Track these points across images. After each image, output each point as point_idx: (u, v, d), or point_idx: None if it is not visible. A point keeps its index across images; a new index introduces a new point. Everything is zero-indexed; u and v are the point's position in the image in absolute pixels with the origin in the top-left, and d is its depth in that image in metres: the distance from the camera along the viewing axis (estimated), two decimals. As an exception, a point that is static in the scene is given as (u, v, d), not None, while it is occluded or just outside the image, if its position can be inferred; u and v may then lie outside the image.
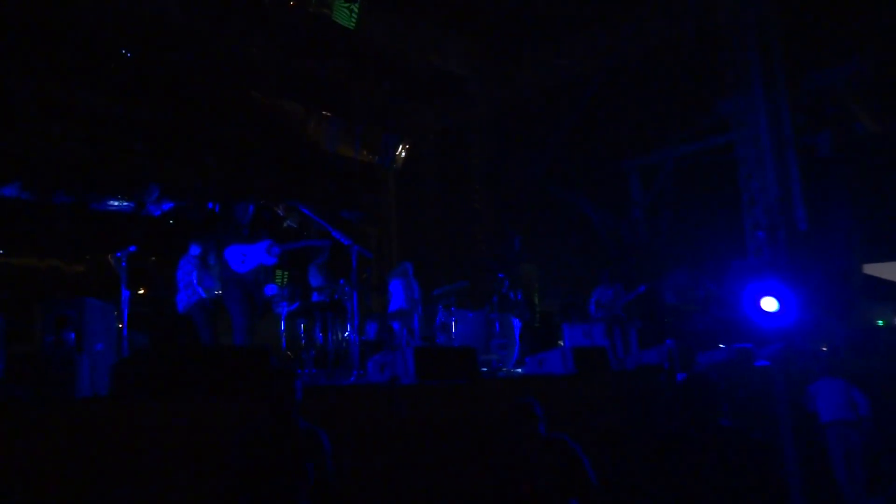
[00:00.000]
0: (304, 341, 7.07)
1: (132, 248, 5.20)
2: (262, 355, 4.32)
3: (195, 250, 6.21)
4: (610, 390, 6.33)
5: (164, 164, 9.56)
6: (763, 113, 10.79)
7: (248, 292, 5.85)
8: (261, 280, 5.98)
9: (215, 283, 6.18)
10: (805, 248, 10.13)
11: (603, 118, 13.13)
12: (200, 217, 9.57)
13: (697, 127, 12.70)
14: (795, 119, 10.92)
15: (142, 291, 8.47)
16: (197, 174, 9.86)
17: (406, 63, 12.37)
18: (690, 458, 3.26)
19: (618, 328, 9.11)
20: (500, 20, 12.38)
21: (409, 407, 4.52)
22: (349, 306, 6.35)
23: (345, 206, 11.82)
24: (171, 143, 9.65)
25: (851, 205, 11.18)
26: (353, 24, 10.56)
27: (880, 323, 11.86)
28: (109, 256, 5.22)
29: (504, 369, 8.42)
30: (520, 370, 8.18)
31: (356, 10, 10.45)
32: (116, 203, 9.21)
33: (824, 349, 8.59)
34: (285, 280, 7.18)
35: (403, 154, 12.91)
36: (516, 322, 9.01)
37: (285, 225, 10.24)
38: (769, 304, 8.60)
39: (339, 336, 7.15)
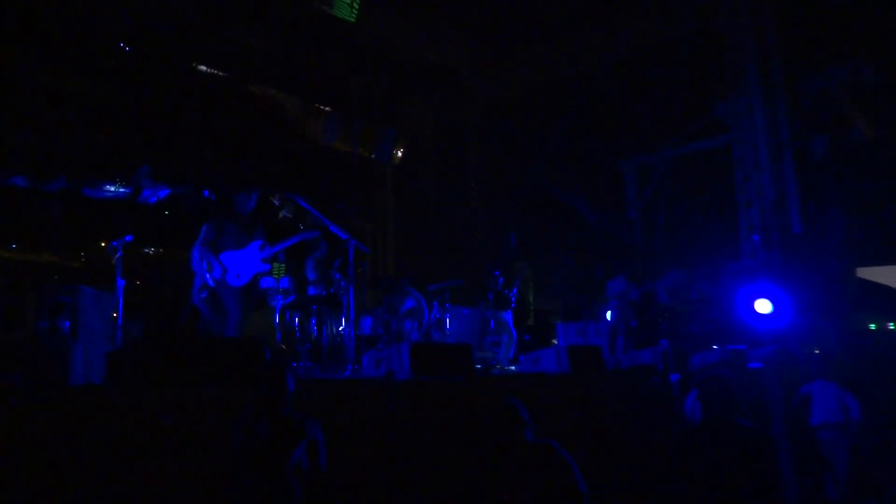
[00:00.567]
0: (298, 335, 7.05)
1: (128, 238, 5.17)
2: (258, 347, 4.31)
3: (208, 235, 5.86)
4: (604, 389, 6.34)
5: (160, 152, 9.50)
6: (760, 116, 10.83)
7: (245, 293, 5.82)
8: (256, 282, 5.94)
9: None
10: (799, 251, 10.18)
11: (600, 118, 13.14)
12: (197, 206, 9.50)
13: (694, 128, 12.72)
14: (792, 122, 10.97)
15: (137, 281, 8.42)
16: (193, 163, 9.83)
17: (404, 59, 12.35)
18: (707, 456, 3.28)
19: (622, 325, 9.15)
20: (499, 18, 12.37)
21: (403, 402, 4.51)
22: (345, 300, 6.35)
23: (341, 200, 11.80)
24: (168, 131, 9.61)
25: (846, 208, 11.23)
26: (354, 19, 10.52)
27: (873, 326, 11.93)
28: (105, 245, 5.18)
29: (498, 367, 8.43)
30: (514, 368, 8.18)
31: (357, 5, 10.42)
32: (112, 189, 9.14)
33: (817, 352, 8.63)
34: (281, 274, 7.15)
35: (401, 150, 12.90)
36: (508, 315, 9.05)
37: (281, 215, 10.21)
38: (763, 306, 8.63)
39: (334, 330, 7.14)
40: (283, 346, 6.99)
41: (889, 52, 10.88)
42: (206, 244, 5.75)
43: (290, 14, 10.42)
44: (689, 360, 7.46)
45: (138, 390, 3.61)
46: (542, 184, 13.82)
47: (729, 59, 11.09)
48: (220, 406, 3.69)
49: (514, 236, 13.49)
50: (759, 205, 10.63)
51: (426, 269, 9.03)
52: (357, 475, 4.11)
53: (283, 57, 10.78)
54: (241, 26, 10.17)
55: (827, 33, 11.03)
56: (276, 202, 10.20)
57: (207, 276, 5.67)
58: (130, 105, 9.24)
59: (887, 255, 12.10)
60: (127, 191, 9.24)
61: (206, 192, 9.86)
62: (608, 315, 9.41)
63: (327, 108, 11.69)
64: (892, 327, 12.41)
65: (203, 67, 9.91)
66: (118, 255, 5.10)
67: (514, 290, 9.32)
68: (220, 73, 10.09)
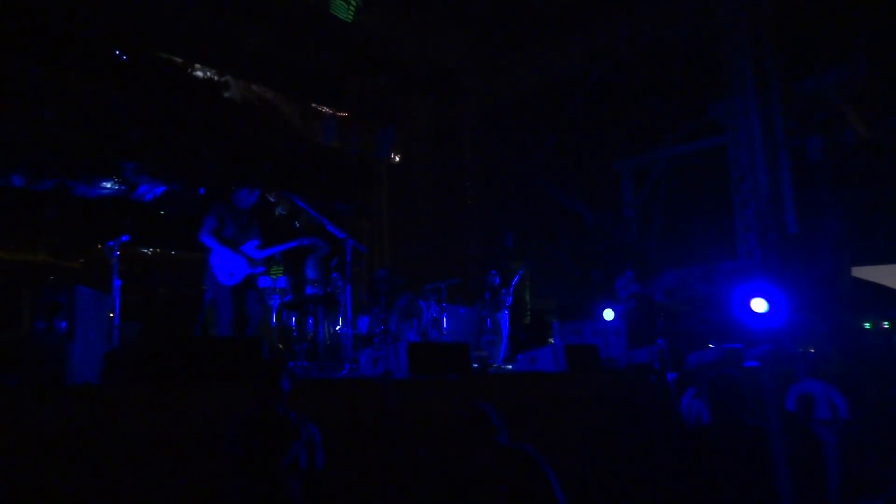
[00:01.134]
0: (295, 334, 7.04)
1: (125, 238, 5.14)
2: (256, 346, 4.31)
3: (213, 224, 5.71)
4: (601, 388, 6.36)
5: (157, 149, 9.47)
6: (756, 116, 10.87)
7: (240, 293, 5.74)
8: (250, 282, 5.84)
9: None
10: (795, 250, 10.23)
11: (597, 117, 13.17)
12: (193, 204, 9.45)
13: (690, 129, 12.76)
14: (788, 123, 11.02)
15: (134, 281, 8.38)
16: (189, 160, 9.80)
17: (401, 58, 12.35)
18: (719, 456, 3.30)
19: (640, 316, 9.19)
20: (496, 18, 12.39)
21: (400, 401, 4.51)
22: (342, 300, 6.34)
23: (338, 198, 11.78)
24: (164, 129, 9.58)
25: (841, 208, 11.29)
26: (351, 18, 10.52)
27: (867, 325, 11.99)
28: (101, 246, 5.16)
29: (494, 365, 8.44)
30: (511, 367, 8.20)
31: (354, 4, 10.42)
32: (109, 185, 9.09)
33: (812, 350, 8.67)
34: (279, 273, 7.14)
35: (398, 148, 12.89)
36: (505, 316, 9.07)
37: (276, 212, 10.18)
38: (759, 305, 8.64)
39: (331, 329, 7.14)
40: (281, 346, 6.98)
41: (884, 53, 10.93)
42: (213, 233, 5.64)
43: (287, 13, 10.40)
44: (685, 358, 7.49)
45: (135, 390, 3.61)
46: (539, 183, 13.84)
47: (725, 59, 11.14)
48: (217, 405, 3.69)
49: (511, 235, 13.51)
50: (755, 205, 10.67)
51: (423, 268, 9.03)
52: (354, 475, 4.11)
53: (280, 55, 10.76)
54: (238, 25, 10.15)
55: (822, 34, 11.08)
56: (272, 199, 10.18)
57: (216, 272, 5.57)
58: (126, 102, 9.21)
59: (882, 254, 12.16)
60: (122, 188, 9.19)
61: (202, 190, 9.83)
62: (608, 314, 9.39)
63: (324, 107, 11.68)
64: (886, 326, 12.47)
65: (200, 65, 9.89)
66: (115, 255, 5.08)
67: (511, 289, 9.35)
68: (218, 71, 10.06)
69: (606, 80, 12.43)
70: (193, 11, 9.46)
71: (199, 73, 9.94)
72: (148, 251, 9.57)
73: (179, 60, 9.67)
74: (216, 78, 10.08)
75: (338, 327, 7.03)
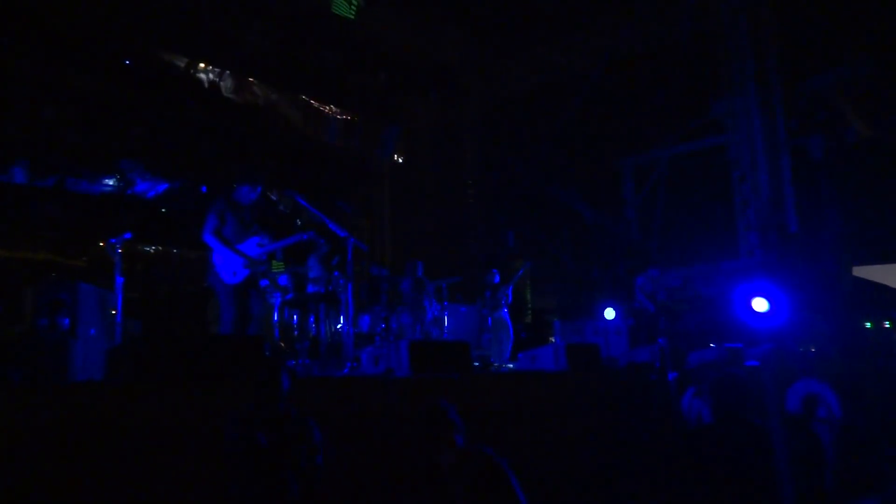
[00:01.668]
0: (297, 332, 7.05)
1: (127, 235, 5.15)
2: (257, 344, 4.32)
3: (215, 223, 5.66)
4: (602, 387, 6.36)
5: (158, 147, 9.48)
6: (757, 115, 10.86)
7: (242, 291, 5.74)
8: (253, 281, 5.83)
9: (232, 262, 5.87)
10: (796, 249, 10.23)
11: (598, 116, 13.16)
12: (194, 202, 9.46)
13: (691, 128, 12.76)
14: (789, 122, 11.01)
15: (136, 279, 8.40)
16: (191, 158, 9.81)
17: (403, 56, 12.34)
18: (723, 455, 3.31)
19: (648, 318, 9.17)
20: (497, 17, 12.38)
21: (401, 399, 4.52)
22: (343, 298, 6.34)
23: (339, 197, 11.79)
24: (166, 126, 9.59)
25: (842, 207, 11.28)
26: (353, 15, 10.51)
27: (868, 325, 11.98)
28: (104, 243, 5.17)
29: (495, 364, 8.46)
30: (511, 365, 8.21)
31: (356, 2, 10.42)
32: (111, 183, 9.11)
33: (813, 350, 8.67)
34: (282, 269, 7.14)
35: (400, 147, 12.89)
36: (506, 314, 9.08)
37: (279, 210, 10.20)
38: (760, 304, 8.64)
39: (333, 328, 7.15)
40: (282, 344, 6.99)
41: (885, 52, 10.92)
42: (216, 233, 5.62)
43: (289, 11, 10.40)
44: (686, 358, 7.49)
45: (138, 387, 3.62)
46: (540, 182, 13.84)
47: (726, 58, 11.13)
48: (218, 403, 3.70)
49: (512, 234, 13.52)
50: (756, 204, 10.67)
51: (424, 267, 9.03)
52: (354, 473, 4.12)
53: (282, 53, 10.77)
54: (241, 23, 10.15)
55: (824, 33, 11.07)
56: (274, 197, 10.19)
57: (219, 270, 5.57)
58: (128, 100, 9.22)
59: (883, 253, 12.16)
60: (124, 186, 9.21)
61: (204, 188, 9.84)
62: (608, 313, 9.38)
63: (326, 105, 11.69)
64: (887, 325, 12.47)
65: (201, 63, 9.89)
66: (117, 252, 5.09)
67: (510, 287, 9.35)
68: (219, 69, 10.07)
69: (608, 79, 12.42)
70: (195, 9, 9.47)
71: (201, 71, 9.95)
72: (150, 248, 9.59)
73: (181, 58, 9.68)
74: (217, 76, 10.09)
75: (339, 325, 7.03)
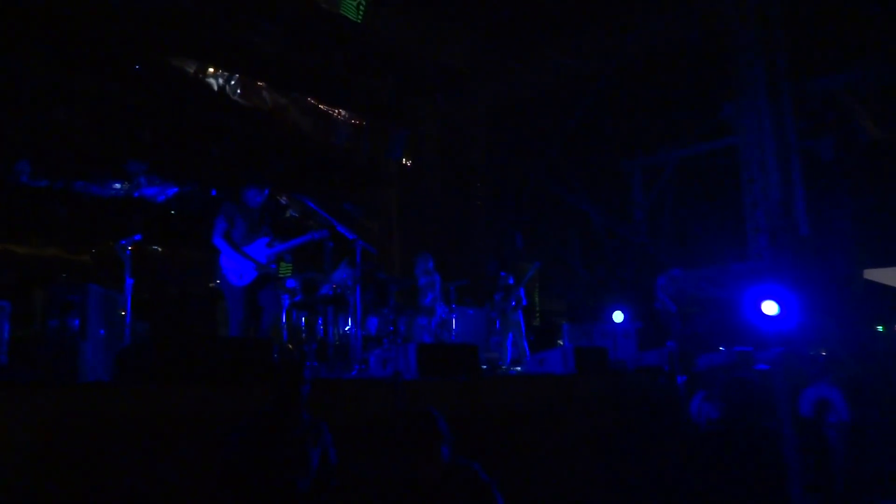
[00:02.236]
0: (305, 334, 7.07)
1: (137, 237, 5.18)
2: (266, 347, 4.33)
3: (220, 227, 5.68)
4: (610, 391, 6.34)
5: (167, 151, 9.53)
6: (767, 117, 10.79)
7: (250, 293, 5.76)
8: (261, 282, 5.85)
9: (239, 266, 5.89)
10: (806, 252, 10.15)
11: (606, 118, 13.14)
12: (204, 205, 9.51)
13: (701, 129, 12.70)
14: (799, 123, 10.93)
15: (146, 280, 8.45)
16: (200, 162, 9.86)
17: (410, 59, 12.36)
18: (727, 456, 3.30)
19: (666, 318, 9.13)
20: (506, 18, 12.36)
21: (409, 402, 4.52)
22: (351, 300, 6.35)
23: (347, 199, 11.82)
24: (175, 130, 9.64)
25: (853, 210, 11.19)
26: (360, 18, 10.54)
27: (880, 328, 11.86)
28: (113, 244, 5.20)
29: (503, 367, 8.44)
30: (519, 368, 8.19)
31: (363, 5, 10.44)
32: (119, 186, 9.17)
33: (824, 353, 8.59)
34: (289, 272, 7.17)
35: (408, 150, 12.91)
36: (520, 316, 9.06)
37: (287, 214, 10.23)
38: (770, 307, 8.59)
39: (341, 330, 7.16)
40: (290, 346, 7.00)
41: (896, 54, 10.85)
42: (225, 236, 5.64)
43: (296, 13, 10.44)
44: (695, 361, 7.45)
45: (147, 388, 3.63)
46: (548, 184, 13.82)
47: (735, 60, 11.06)
48: (226, 405, 3.71)
49: (520, 236, 13.49)
50: (766, 206, 10.59)
51: (434, 261, 9.03)
52: (363, 475, 4.11)
53: (291, 57, 10.80)
54: (248, 26, 10.20)
55: (834, 34, 11.00)
56: (283, 201, 10.22)
57: (226, 272, 5.58)
58: (138, 104, 9.28)
59: (895, 256, 12.05)
60: (133, 189, 9.27)
61: (214, 192, 9.89)
62: (617, 316, 9.33)
63: (334, 109, 11.72)
64: (899, 329, 12.34)
65: (210, 67, 9.95)
66: (127, 253, 5.12)
67: (521, 290, 9.33)
68: (227, 73, 10.12)
69: (616, 81, 12.40)
70: (204, 14, 9.52)
71: (210, 76, 10.00)
72: (159, 249, 9.64)
73: (191, 63, 9.74)
74: (226, 80, 10.14)
75: (347, 328, 7.04)
